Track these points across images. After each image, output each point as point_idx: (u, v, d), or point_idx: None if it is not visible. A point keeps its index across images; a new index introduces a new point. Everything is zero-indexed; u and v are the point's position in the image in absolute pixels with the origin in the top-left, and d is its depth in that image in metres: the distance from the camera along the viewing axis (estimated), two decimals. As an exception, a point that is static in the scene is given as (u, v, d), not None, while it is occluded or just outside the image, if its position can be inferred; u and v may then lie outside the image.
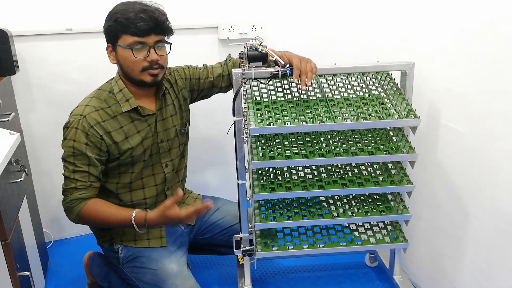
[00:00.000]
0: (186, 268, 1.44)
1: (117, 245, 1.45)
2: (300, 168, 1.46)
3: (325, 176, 1.41)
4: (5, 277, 1.20)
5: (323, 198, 1.49)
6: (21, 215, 1.43)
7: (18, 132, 1.30)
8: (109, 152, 1.33)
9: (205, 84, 1.53)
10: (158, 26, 1.28)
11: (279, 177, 1.42)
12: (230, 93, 1.30)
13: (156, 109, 1.41)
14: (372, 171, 1.43)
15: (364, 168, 1.45)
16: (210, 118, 2.10)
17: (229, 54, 1.58)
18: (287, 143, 1.39)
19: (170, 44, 1.34)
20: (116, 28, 1.26)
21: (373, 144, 1.35)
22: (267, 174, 1.44)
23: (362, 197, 1.48)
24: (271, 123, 1.26)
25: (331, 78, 1.44)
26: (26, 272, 1.32)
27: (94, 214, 1.30)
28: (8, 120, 1.47)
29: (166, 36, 1.33)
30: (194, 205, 1.25)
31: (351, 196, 1.49)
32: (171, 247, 1.46)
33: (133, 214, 1.28)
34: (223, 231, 1.58)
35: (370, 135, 1.42)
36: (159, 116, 1.41)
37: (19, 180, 1.40)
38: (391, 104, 1.33)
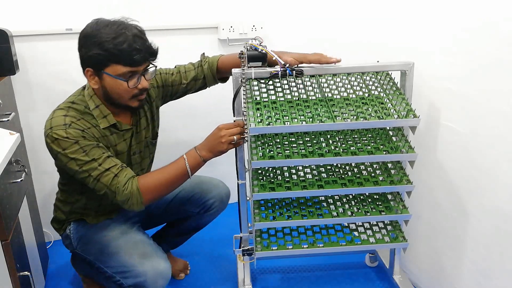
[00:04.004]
0: (134, 230, 1.44)
1: (69, 228, 1.46)
2: (300, 168, 1.46)
3: (325, 176, 1.41)
4: (5, 277, 1.20)
5: (323, 198, 1.49)
6: (21, 215, 1.43)
7: (18, 132, 1.29)
8: None
9: (178, 90, 1.51)
10: (151, 55, 1.26)
11: (279, 177, 1.42)
12: (230, 93, 1.30)
13: (131, 123, 1.40)
14: (372, 171, 1.43)
15: (364, 168, 1.45)
16: (211, 118, 2.10)
17: (203, 53, 1.54)
18: (287, 143, 1.39)
19: (156, 66, 1.32)
20: (106, 57, 1.21)
21: (372, 144, 1.35)
22: (267, 174, 1.44)
23: (362, 197, 1.48)
24: (270, 123, 1.26)
25: (330, 78, 1.44)
26: (26, 272, 1.31)
27: (151, 182, 1.27)
28: (8, 120, 1.47)
29: None
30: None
31: (350, 196, 1.49)
32: (120, 218, 1.48)
33: (185, 157, 1.28)
34: (170, 202, 1.60)
35: (369, 135, 1.42)
36: (134, 130, 1.40)
37: (19, 180, 1.39)
38: (391, 104, 1.33)
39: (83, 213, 1.45)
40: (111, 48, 1.19)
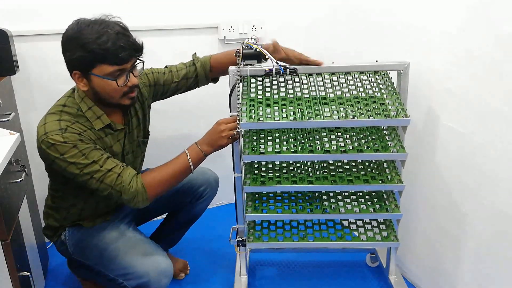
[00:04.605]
0: (131, 230, 1.44)
1: (64, 234, 1.44)
2: (298, 165, 1.49)
3: (319, 173, 1.44)
4: (5, 277, 1.20)
5: (317, 194, 1.52)
6: (21, 215, 1.43)
7: (18, 132, 1.30)
8: None
9: (169, 88, 1.51)
10: (136, 51, 1.24)
11: (276, 172, 1.46)
12: (226, 93, 1.33)
13: (123, 123, 1.39)
14: (369, 170, 1.44)
15: (362, 167, 1.46)
16: (207, 116, 2.11)
17: (195, 53, 1.55)
18: (283, 138, 1.43)
19: (143, 62, 1.30)
20: (91, 58, 1.19)
21: (365, 143, 1.37)
22: (262, 169, 1.48)
23: (359, 194, 1.49)
24: (264, 119, 1.29)
25: (327, 77, 1.45)
26: (26, 272, 1.32)
27: (156, 178, 1.28)
28: (8, 120, 1.47)
29: None
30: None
31: (346, 194, 1.51)
32: (115, 219, 1.47)
33: (187, 152, 1.31)
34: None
35: (362, 134, 1.43)
36: (127, 130, 1.40)
37: (19, 180, 1.40)
38: (384, 103, 1.34)
39: (79, 218, 1.44)
40: (95, 49, 1.17)
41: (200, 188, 1.63)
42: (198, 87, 1.56)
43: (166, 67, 1.52)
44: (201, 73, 1.50)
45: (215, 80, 1.56)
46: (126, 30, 1.24)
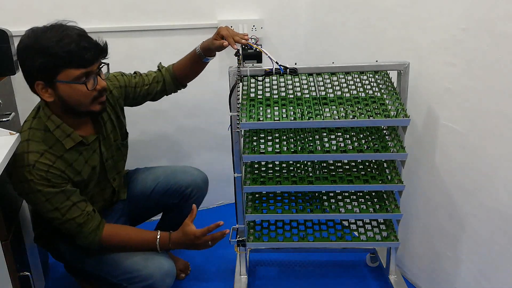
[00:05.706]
0: None
1: (58, 242, 1.42)
2: (298, 165, 1.49)
3: (318, 173, 1.44)
4: (5, 277, 1.20)
5: (317, 194, 1.52)
6: (21, 215, 1.43)
7: (18, 132, 1.30)
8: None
9: (141, 92, 1.48)
10: (101, 51, 1.18)
11: (276, 172, 1.47)
12: (225, 93, 1.33)
13: (95, 132, 1.33)
14: (369, 170, 1.44)
15: (362, 167, 1.47)
16: (212, 117, 2.11)
17: (160, 62, 1.56)
18: (283, 138, 1.43)
19: (108, 64, 1.24)
20: (55, 63, 1.11)
21: (365, 142, 1.37)
22: (262, 169, 1.49)
23: (359, 194, 1.50)
24: (264, 119, 1.29)
25: (327, 77, 1.45)
26: (26, 272, 1.31)
27: (115, 240, 1.31)
28: (8, 120, 1.47)
29: None
30: (208, 228, 1.33)
31: (346, 194, 1.51)
32: (109, 220, 1.43)
33: (158, 236, 1.32)
34: (149, 197, 1.58)
35: (362, 134, 1.44)
36: (101, 138, 1.35)
37: (19, 180, 1.39)
38: (384, 103, 1.34)
39: None
40: (58, 52, 1.10)
41: (187, 189, 1.58)
42: (167, 94, 1.55)
43: (135, 73, 1.51)
44: (167, 77, 1.50)
45: (183, 85, 1.56)
46: (85, 32, 1.18)
